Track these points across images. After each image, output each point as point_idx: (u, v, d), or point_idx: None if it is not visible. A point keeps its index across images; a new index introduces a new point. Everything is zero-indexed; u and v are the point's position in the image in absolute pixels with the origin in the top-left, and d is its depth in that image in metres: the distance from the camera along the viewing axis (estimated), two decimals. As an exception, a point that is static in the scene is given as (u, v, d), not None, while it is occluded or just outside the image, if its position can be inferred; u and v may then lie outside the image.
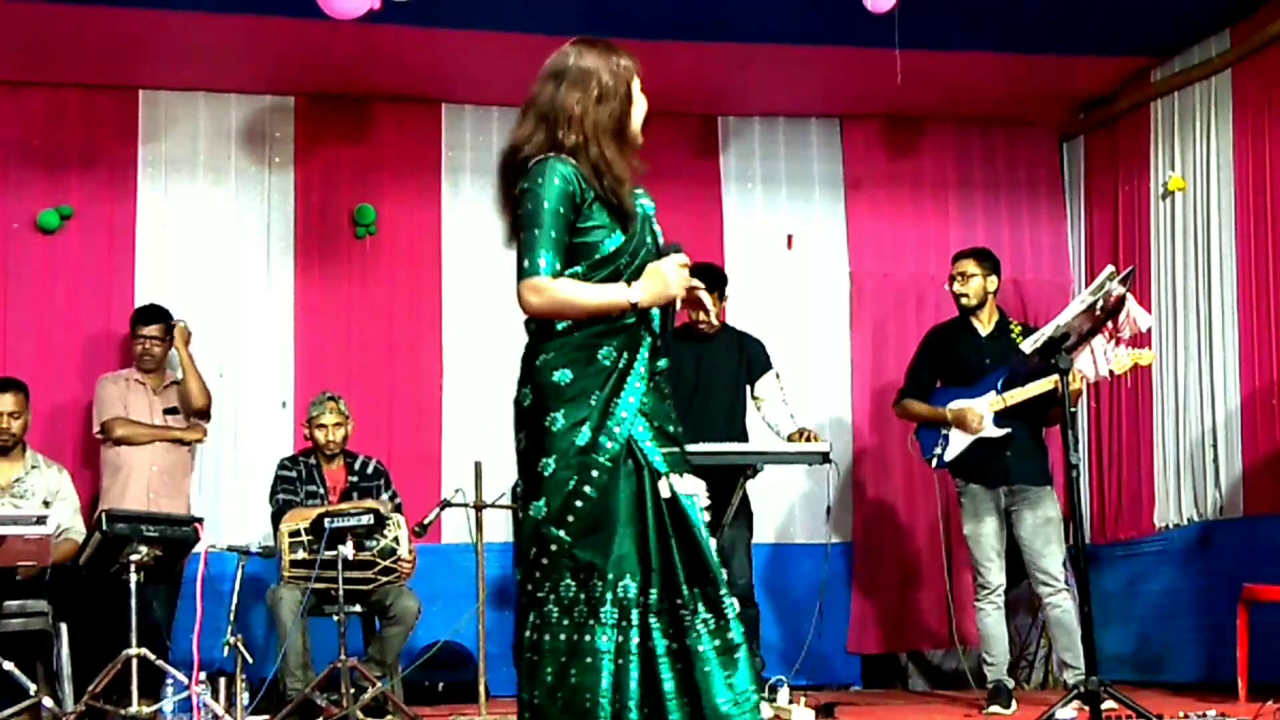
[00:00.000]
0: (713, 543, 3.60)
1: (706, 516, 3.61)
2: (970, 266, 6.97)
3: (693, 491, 3.59)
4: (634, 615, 3.50)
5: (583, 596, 3.50)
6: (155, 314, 7.56)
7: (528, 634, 3.54)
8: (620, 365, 3.57)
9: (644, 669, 3.50)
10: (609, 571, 3.50)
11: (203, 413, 7.56)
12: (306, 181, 8.36)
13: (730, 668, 3.51)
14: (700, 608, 3.51)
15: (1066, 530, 7.12)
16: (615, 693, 3.46)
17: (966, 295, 6.95)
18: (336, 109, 8.38)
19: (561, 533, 3.51)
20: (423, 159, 8.51)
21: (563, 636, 3.50)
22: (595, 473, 3.51)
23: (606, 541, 3.52)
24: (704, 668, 3.48)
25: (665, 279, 3.58)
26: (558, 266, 3.52)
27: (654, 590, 3.52)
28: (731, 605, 3.55)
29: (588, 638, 3.48)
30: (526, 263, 3.50)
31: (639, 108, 3.74)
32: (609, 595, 3.49)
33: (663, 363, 3.65)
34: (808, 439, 6.88)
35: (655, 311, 3.64)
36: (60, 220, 7.96)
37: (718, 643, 3.51)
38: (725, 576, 3.58)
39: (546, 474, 3.52)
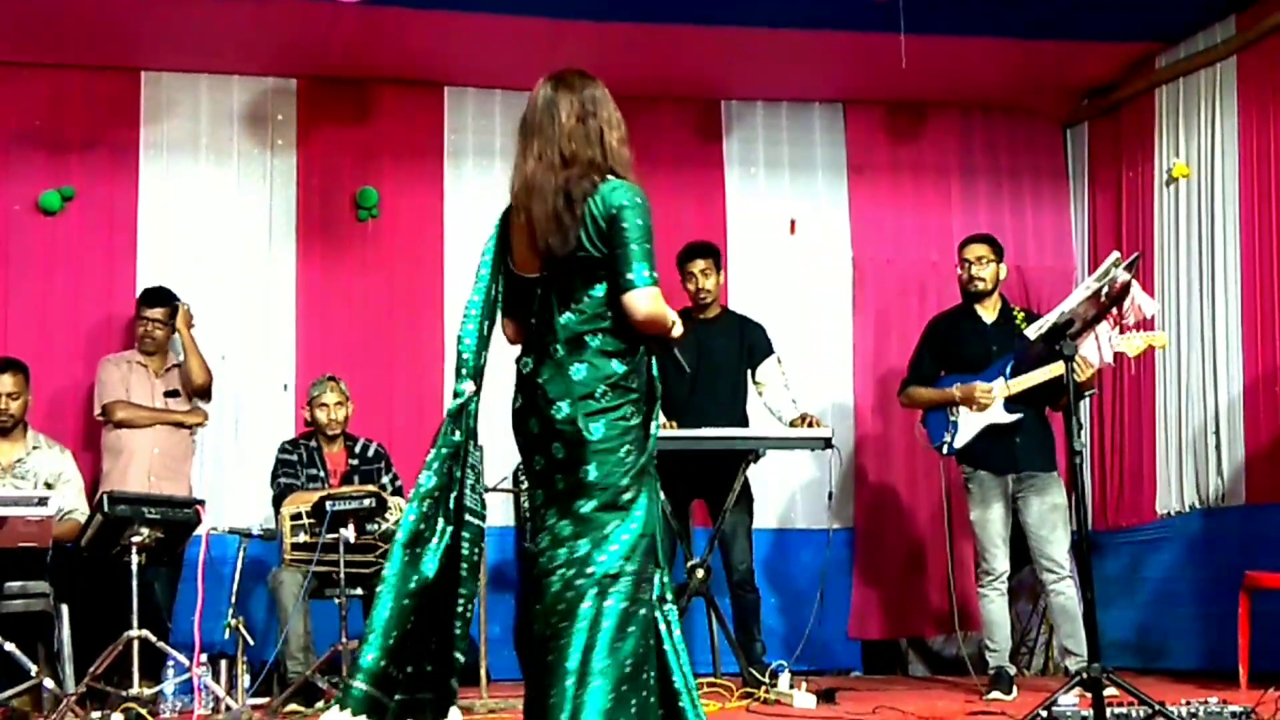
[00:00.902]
0: None
1: None
2: (986, 251, 6.96)
3: None
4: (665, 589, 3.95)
5: (653, 576, 3.85)
6: (160, 296, 7.53)
7: (597, 604, 3.74)
8: (655, 375, 3.99)
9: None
10: (661, 553, 3.91)
11: (203, 392, 7.54)
12: (308, 164, 8.34)
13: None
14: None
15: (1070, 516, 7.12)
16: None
17: (983, 280, 6.93)
18: (339, 91, 8.36)
19: (642, 516, 3.84)
20: (425, 142, 8.49)
21: (633, 611, 3.77)
22: (654, 464, 3.93)
23: (657, 526, 3.90)
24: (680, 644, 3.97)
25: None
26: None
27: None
28: None
29: (651, 612, 3.84)
30: (646, 272, 3.80)
31: None
32: (660, 575, 3.90)
33: None
34: (809, 424, 6.88)
35: None
36: (62, 202, 7.95)
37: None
38: None
39: (630, 460, 3.85)
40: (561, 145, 3.90)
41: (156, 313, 7.47)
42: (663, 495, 4.68)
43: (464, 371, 3.97)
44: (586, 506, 3.81)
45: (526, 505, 8.27)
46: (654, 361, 4.01)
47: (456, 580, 3.85)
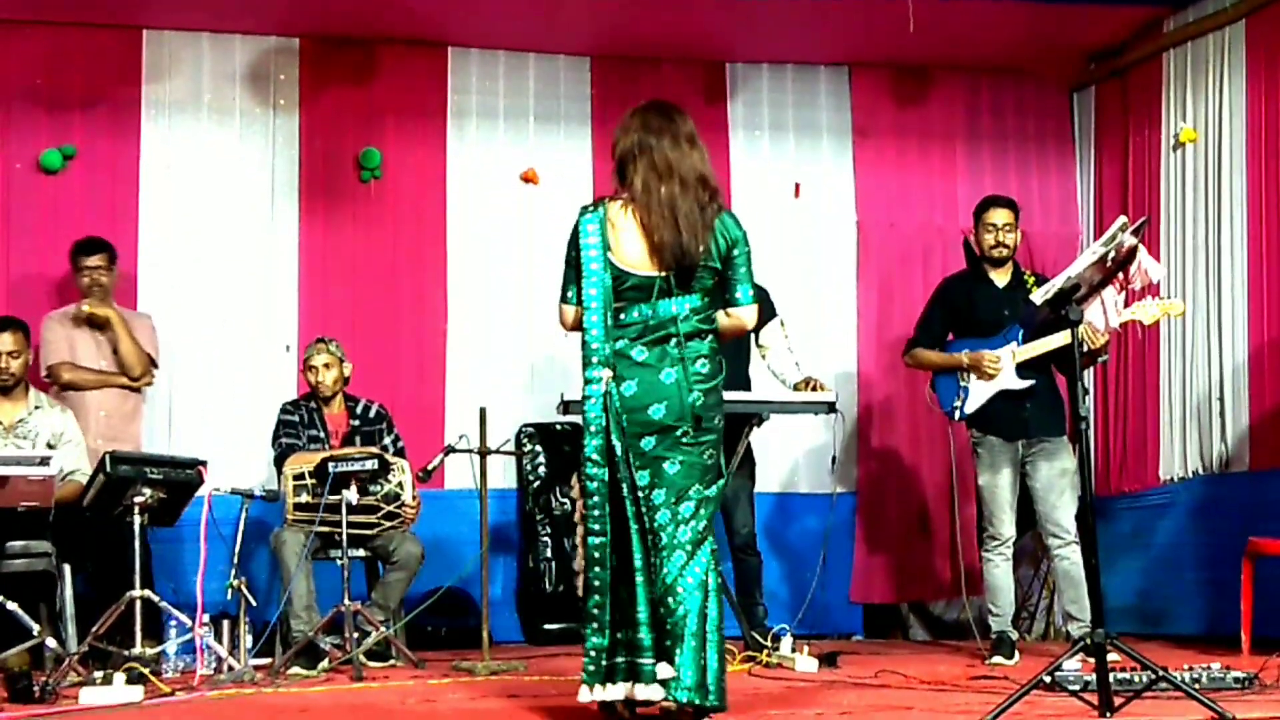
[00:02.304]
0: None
1: None
2: (1010, 218, 6.92)
3: None
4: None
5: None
6: (97, 244, 7.37)
7: (711, 563, 4.46)
8: None
9: None
10: None
11: (141, 376, 7.34)
12: (311, 124, 8.31)
13: None
14: None
15: (1075, 482, 7.12)
16: None
17: (1005, 246, 6.89)
18: (342, 51, 8.32)
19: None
20: (428, 103, 8.46)
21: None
22: None
23: None
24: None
25: None
26: None
27: None
28: None
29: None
30: (752, 292, 4.59)
31: None
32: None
33: None
34: (813, 388, 6.86)
35: None
36: (63, 160, 7.92)
37: None
38: None
39: (721, 443, 4.59)
40: (696, 166, 4.52)
41: (96, 259, 7.29)
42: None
43: (596, 360, 4.48)
44: (708, 488, 4.50)
45: (530, 470, 8.29)
46: None
47: (640, 549, 4.44)
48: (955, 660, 6.90)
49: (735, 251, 4.54)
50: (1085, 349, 6.26)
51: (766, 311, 7.19)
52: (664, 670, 4.34)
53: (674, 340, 4.48)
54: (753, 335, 7.19)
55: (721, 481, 4.56)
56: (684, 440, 4.47)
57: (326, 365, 7.22)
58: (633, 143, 4.56)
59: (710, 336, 4.54)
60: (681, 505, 4.44)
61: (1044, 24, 8.27)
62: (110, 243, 7.46)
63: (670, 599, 4.37)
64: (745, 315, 4.63)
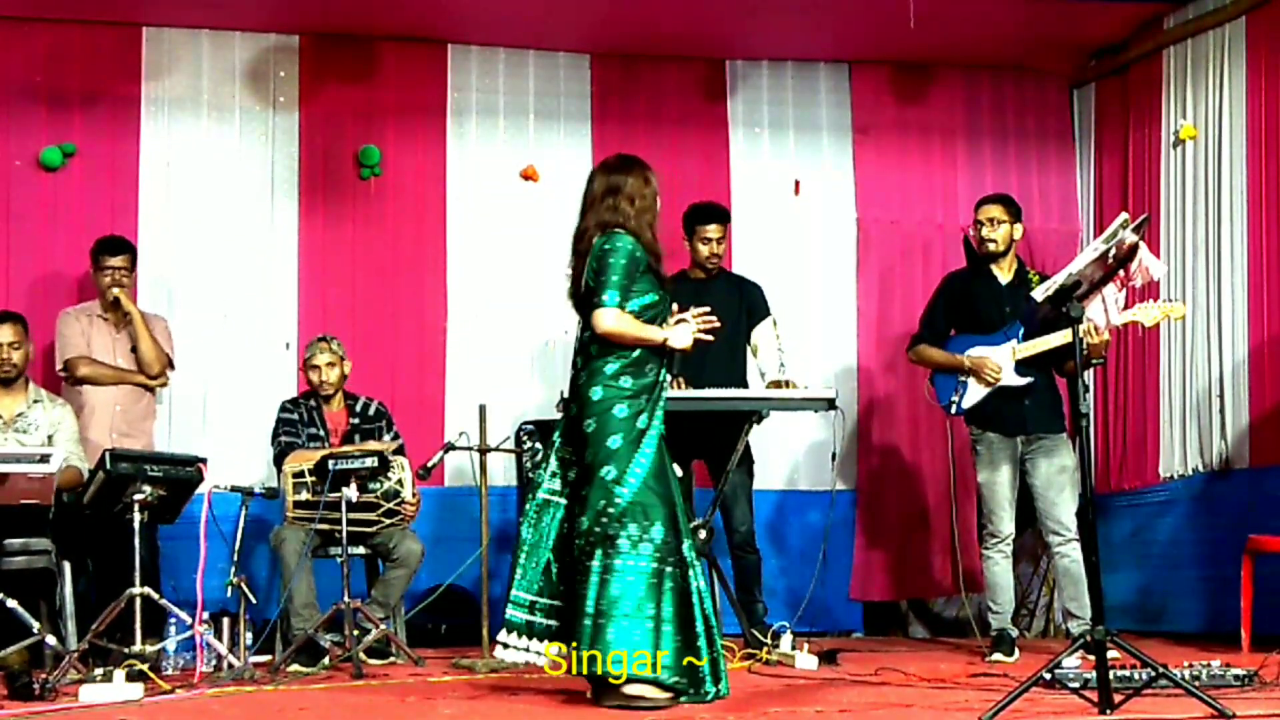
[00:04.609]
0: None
1: None
2: (999, 213, 6.92)
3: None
4: (684, 551, 4.91)
5: (648, 536, 4.84)
6: (121, 244, 7.36)
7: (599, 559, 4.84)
8: (660, 378, 5.05)
9: None
10: (664, 510, 4.91)
11: (158, 375, 7.35)
12: (311, 122, 8.30)
13: None
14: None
15: (1075, 479, 7.12)
16: None
17: (994, 241, 6.90)
18: (342, 49, 8.32)
19: (625, 490, 4.86)
20: (428, 100, 8.45)
21: (649, 565, 4.83)
22: (649, 448, 4.93)
23: (660, 492, 4.93)
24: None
25: (687, 333, 5.08)
26: (621, 303, 4.96)
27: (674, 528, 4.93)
28: None
29: (670, 568, 4.85)
30: (610, 297, 4.92)
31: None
32: (659, 532, 4.86)
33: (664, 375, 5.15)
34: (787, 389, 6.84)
35: None
36: (63, 158, 7.92)
37: None
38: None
39: (613, 448, 4.88)
40: (589, 215, 5.07)
41: (120, 260, 7.26)
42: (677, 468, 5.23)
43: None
44: (586, 487, 4.92)
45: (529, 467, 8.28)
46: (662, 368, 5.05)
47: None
48: (955, 658, 6.91)
49: (596, 265, 4.98)
50: (1085, 348, 6.26)
51: (761, 310, 7.22)
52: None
53: (578, 359, 5.07)
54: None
55: (624, 498, 4.83)
56: (580, 460, 4.98)
57: (330, 364, 7.22)
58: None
59: (608, 356, 4.97)
60: (583, 518, 4.89)
61: (1044, 20, 8.26)
62: (133, 244, 7.45)
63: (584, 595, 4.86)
64: (595, 317, 4.95)
